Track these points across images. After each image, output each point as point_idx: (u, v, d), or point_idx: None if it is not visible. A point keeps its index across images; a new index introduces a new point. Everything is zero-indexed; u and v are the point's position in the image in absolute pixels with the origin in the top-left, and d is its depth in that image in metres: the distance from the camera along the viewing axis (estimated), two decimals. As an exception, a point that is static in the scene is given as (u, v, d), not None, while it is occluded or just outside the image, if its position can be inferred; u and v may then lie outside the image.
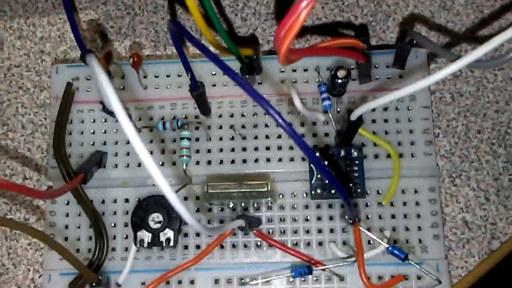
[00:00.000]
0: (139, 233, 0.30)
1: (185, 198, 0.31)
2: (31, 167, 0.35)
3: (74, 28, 0.28)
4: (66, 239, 0.32)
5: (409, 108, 0.32)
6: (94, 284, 0.29)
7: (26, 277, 0.33)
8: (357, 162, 0.30)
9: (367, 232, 0.28)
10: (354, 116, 0.27)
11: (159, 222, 0.30)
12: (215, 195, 0.28)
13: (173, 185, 0.31)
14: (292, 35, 0.21)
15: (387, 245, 0.28)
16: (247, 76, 0.31)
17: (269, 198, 0.28)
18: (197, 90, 0.29)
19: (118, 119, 0.18)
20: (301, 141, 0.20)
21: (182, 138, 0.30)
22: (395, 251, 0.27)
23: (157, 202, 0.30)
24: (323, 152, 0.31)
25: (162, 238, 0.29)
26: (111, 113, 0.29)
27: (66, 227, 0.32)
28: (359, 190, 0.30)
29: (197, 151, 0.32)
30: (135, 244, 0.30)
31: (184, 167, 0.31)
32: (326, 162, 0.30)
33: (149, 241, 0.30)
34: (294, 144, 0.32)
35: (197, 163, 0.32)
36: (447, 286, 0.30)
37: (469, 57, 0.21)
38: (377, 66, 0.32)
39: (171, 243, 0.29)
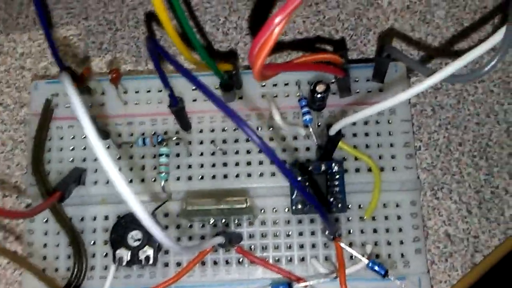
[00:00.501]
0: (118, 251, 0.29)
1: (166, 215, 0.31)
2: (10, 184, 0.35)
3: (52, 45, 0.28)
4: (44, 258, 0.31)
5: (390, 121, 0.32)
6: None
7: (4, 297, 0.33)
8: (337, 176, 0.30)
9: (347, 248, 0.28)
10: (333, 131, 0.27)
11: (139, 239, 0.29)
12: (193, 212, 0.27)
13: (154, 201, 0.31)
14: (266, 51, 0.20)
15: (366, 261, 0.27)
16: (226, 92, 0.30)
17: (249, 215, 0.28)
18: (176, 105, 0.29)
19: (86, 133, 0.18)
20: (275, 157, 0.20)
21: (160, 155, 0.30)
22: (375, 267, 0.27)
23: (137, 219, 0.30)
24: (304, 166, 0.30)
25: (142, 256, 0.29)
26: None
27: (45, 245, 0.31)
28: (340, 205, 0.30)
29: (178, 167, 0.32)
30: (114, 262, 0.29)
31: (163, 184, 0.30)
32: (306, 177, 0.30)
33: (128, 259, 0.29)
34: (275, 159, 0.31)
35: (178, 178, 0.31)
36: (429, 302, 0.29)
37: (444, 71, 0.21)
38: (357, 79, 0.32)
39: (151, 261, 0.29)
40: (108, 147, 0.32)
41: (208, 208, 0.27)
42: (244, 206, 0.27)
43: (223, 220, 0.30)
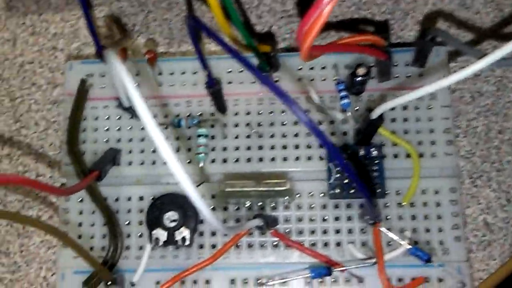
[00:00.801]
0: (154, 232, 0.29)
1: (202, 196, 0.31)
2: (44, 164, 0.35)
3: (90, 24, 0.28)
4: (79, 237, 0.31)
5: (429, 107, 0.31)
6: (108, 283, 0.28)
7: (38, 275, 0.33)
8: (376, 161, 0.29)
9: (389, 233, 0.28)
10: (374, 115, 0.26)
11: (175, 220, 0.29)
12: (232, 193, 0.27)
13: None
14: (316, 31, 0.20)
15: (409, 246, 0.27)
16: (264, 73, 0.30)
17: (287, 197, 0.28)
18: (213, 86, 0.29)
19: (140, 117, 0.18)
20: (324, 138, 0.20)
21: (198, 136, 0.30)
22: (418, 253, 0.27)
23: (173, 200, 0.30)
24: (342, 151, 0.30)
25: (178, 237, 0.29)
26: (127, 110, 0.29)
27: (80, 224, 0.31)
28: (378, 190, 0.29)
29: (213, 149, 0.31)
30: (150, 243, 0.29)
31: (201, 164, 0.30)
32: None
33: (165, 240, 0.29)
34: (312, 142, 0.31)
35: (213, 161, 0.31)
36: (468, 290, 0.29)
37: (494, 54, 0.21)
38: (396, 64, 0.32)
39: (187, 242, 0.29)
40: (143, 129, 0.32)
41: (247, 189, 0.27)
42: (285, 188, 0.27)
43: (259, 203, 0.30)
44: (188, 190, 0.18)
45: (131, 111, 0.29)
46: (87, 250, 0.30)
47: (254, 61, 0.30)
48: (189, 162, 0.32)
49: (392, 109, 0.31)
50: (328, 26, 0.35)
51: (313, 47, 0.21)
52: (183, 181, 0.18)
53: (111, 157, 0.30)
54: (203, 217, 0.19)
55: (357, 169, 0.29)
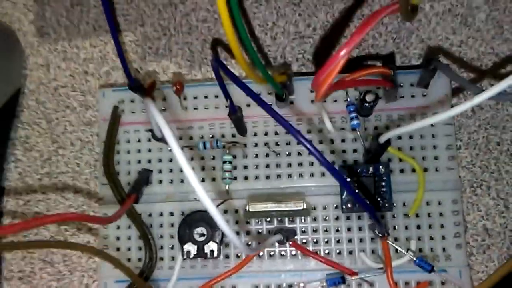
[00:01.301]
0: (185, 246, 0.33)
1: (225, 211, 0.34)
2: (81, 181, 0.38)
3: (122, 59, 0.31)
4: (118, 249, 0.35)
5: (433, 125, 0.34)
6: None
7: (81, 282, 0.37)
8: (384, 178, 0.32)
9: (396, 246, 0.31)
10: (383, 139, 0.29)
11: (203, 235, 0.33)
12: (255, 213, 0.31)
13: (214, 199, 0.34)
14: (330, 80, 0.23)
15: (414, 258, 0.30)
16: (281, 101, 0.33)
17: (304, 216, 0.31)
18: (235, 113, 0.32)
19: (173, 150, 0.21)
20: (330, 165, 0.23)
21: (224, 162, 0.33)
22: (422, 264, 0.30)
23: (201, 217, 0.33)
24: (352, 169, 0.33)
25: (207, 250, 0.32)
26: (159, 140, 0.32)
27: (118, 238, 0.35)
28: (386, 204, 0.32)
29: (235, 168, 0.35)
30: (182, 256, 0.33)
31: (227, 187, 0.33)
32: (355, 178, 0.32)
33: (195, 253, 0.32)
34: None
35: (235, 178, 0.34)
36: (469, 292, 0.32)
37: (491, 91, 0.23)
38: (402, 85, 0.34)
39: (215, 255, 0.32)
40: (171, 150, 0.35)
41: (268, 210, 0.30)
42: (301, 208, 0.30)
43: (279, 218, 0.33)
44: (213, 214, 0.21)
45: (163, 141, 0.32)
46: (124, 263, 0.33)
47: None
48: (213, 180, 0.35)
49: (398, 125, 0.34)
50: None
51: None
52: (209, 206, 0.21)
53: (145, 178, 0.33)
54: (227, 237, 0.22)
55: (367, 186, 0.32)
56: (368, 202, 0.24)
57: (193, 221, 0.33)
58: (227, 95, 0.31)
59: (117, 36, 0.31)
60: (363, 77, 0.28)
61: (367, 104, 0.31)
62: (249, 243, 0.34)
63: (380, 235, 0.30)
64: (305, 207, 0.30)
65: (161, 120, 0.23)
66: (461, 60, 0.37)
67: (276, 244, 0.33)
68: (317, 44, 0.39)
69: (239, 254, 0.34)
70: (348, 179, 0.32)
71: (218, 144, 0.34)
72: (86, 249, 0.26)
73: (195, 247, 0.33)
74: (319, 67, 0.37)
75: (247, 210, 0.30)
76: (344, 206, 0.33)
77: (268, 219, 0.33)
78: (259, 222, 0.34)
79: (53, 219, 0.23)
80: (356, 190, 0.29)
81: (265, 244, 0.29)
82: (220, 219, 0.21)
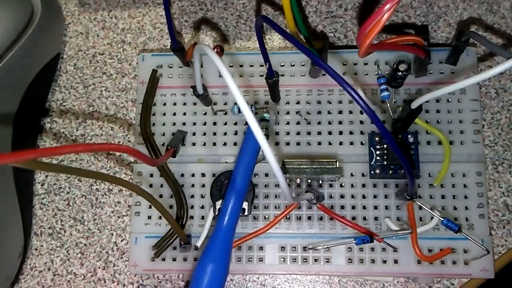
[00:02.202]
0: (217, 203, 0.34)
1: (255, 174, 0.35)
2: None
3: (169, 21, 0.32)
4: (150, 207, 0.36)
5: (460, 100, 0.35)
6: (182, 243, 0.33)
7: (109, 240, 0.38)
8: (412, 146, 0.34)
9: (424, 206, 0.32)
10: (415, 105, 0.30)
11: (235, 193, 0.34)
12: (290, 170, 0.32)
13: (246, 162, 0.35)
14: (374, 34, 0.24)
15: (442, 218, 0.31)
16: (315, 67, 0.34)
17: (337, 175, 0.32)
18: (272, 78, 0.33)
19: (239, 105, 0.22)
20: (379, 122, 0.24)
21: (261, 120, 0.34)
22: (449, 224, 0.31)
23: (233, 176, 0.34)
24: (381, 137, 0.34)
25: (238, 207, 0.34)
26: (199, 96, 0.33)
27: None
28: (414, 171, 0.33)
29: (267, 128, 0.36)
30: (214, 212, 0.34)
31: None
32: (385, 145, 0.34)
33: (226, 210, 0.34)
34: (354, 129, 0.35)
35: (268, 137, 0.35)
36: (490, 260, 0.33)
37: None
38: (431, 62, 0.36)
39: (246, 213, 0.33)
40: (205, 114, 0.37)
41: (303, 167, 0.31)
42: (334, 166, 0.31)
43: (308, 181, 0.34)
44: (272, 164, 0.22)
45: (202, 98, 0.34)
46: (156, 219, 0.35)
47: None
48: (245, 144, 0.36)
49: (427, 101, 0.35)
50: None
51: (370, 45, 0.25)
52: (270, 157, 0.22)
53: (181, 138, 0.35)
54: (280, 184, 0.24)
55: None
56: (406, 157, 0.25)
57: (226, 179, 0.34)
58: (266, 59, 0.32)
59: (168, 0, 0.32)
60: (400, 43, 0.30)
61: (400, 73, 0.32)
62: (279, 206, 0.35)
63: (409, 197, 0.31)
64: (338, 165, 0.31)
65: (221, 65, 0.24)
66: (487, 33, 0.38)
67: (304, 207, 0.34)
68: (347, 23, 0.40)
69: (267, 216, 0.35)
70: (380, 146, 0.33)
71: (252, 109, 0.35)
72: (130, 186, 0.27)
73: (227, 204, 0.34)
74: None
75: (283, 166, 0.32)
76: (372, 172, 0.34)
77: (298, 182, 0.34)
78: (290, 186, 0.35)
79: (96, 147, 0.24)
80: (399, 148, 0.30)
81: (301, 197, 0.30)
82: (275, 165, 0.22)
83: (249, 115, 0.22)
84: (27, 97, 0.37)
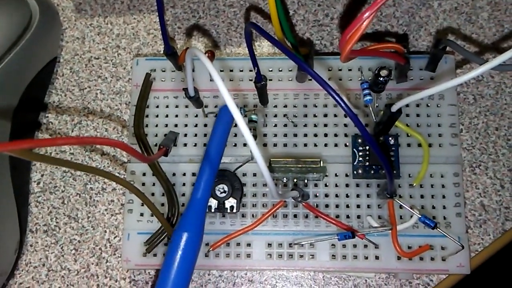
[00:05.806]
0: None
1: (244, 174, 0.37)
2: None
3: (163, 26, 0.34)
4: (142, 204, 0.37)
5: (438, 105, 0.37)
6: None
7: (103, 237, 0.39)
8: (393, 148, 0.35)
9: (403, 204, 0.34)
10: (394, 108, 0.32)
11: (224, 192, 0.35)
12: (276, 168, 0.33)
13: (235, 162, 0.37)
14: (354, 40, 0.26)
15: (419, 216, 0.33)
16: (302, 72, 0.36)
17: (320, 174, 0.34)
18: (260, 82, 0.35)
19: (227, 104, 0.24)
20: (361, 124, 0.26)
21: (250, 121, 0.36)
22: (426, 221, 0.33)
23: (223, 175, 0.36)
24: (364, 139, 0.36)
25: (227, 205, 0.35)
26: (191, 98, 0.35)
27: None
28: (394, 172, 0.35)
29: (255, 129, 0.37)
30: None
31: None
32: (367, 147, 0.35)
33: (216, 207, 0.35)
34: (338, 132, 0.37)
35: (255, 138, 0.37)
36: (466, 257, 0.35)
37: (494, 61, 0.27)
38: (411, 68, 0.38)
39: (234, 210, 0.35)
40: (196, 116, 0.38)
41: (289, 166, 0.33)
42: (318, 165, 0.33)
43: (294, 180, 0.36)
44: (260, 162, 0.24)
45: (194, 100, 0.35)
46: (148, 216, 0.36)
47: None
48: (234, 146, 0.38)
49: (407, 106, 0.37)
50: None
51: (351, 51, 0.27)
52: (258, 156, 0.24)
53: (173, 138, 0.36)
54: (267, 182, 0.25)
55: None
56: (386, 158, 0.27)
57: (216, 178, 0.36)
58: (255, 64, 0.34)
59: (162, 7, 0.34)
60: (381, 50, 0.32)
61: (381, 79, 0.34)
62: (266, 204, 0.36)
63: (389, 195, 0.33)
64: (322, 165, 0.33)
65: (212, 69, 0.26)
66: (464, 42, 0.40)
67: (290, 205, 0.36)
68: (334, 32, 0.42)
69: (254, 214, 0.36)
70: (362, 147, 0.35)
71: (242, 111, 0.37)
72: (122, 182, 0.29)
73: (216, 202, 0.35)
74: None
75: (270, 165, 0.33)
76: (355, 172, 0.35)
77: (285, 180, 0.36)
78: (276, 185, 0.36)
79: (89, 140, 0.25)
80: (381, 150, 0.31)
81: (287, 195, 0.32)
82: (261, 162, 0.24)
83: (239, 118, 0.24)
84: (24, 99, 0.39)
